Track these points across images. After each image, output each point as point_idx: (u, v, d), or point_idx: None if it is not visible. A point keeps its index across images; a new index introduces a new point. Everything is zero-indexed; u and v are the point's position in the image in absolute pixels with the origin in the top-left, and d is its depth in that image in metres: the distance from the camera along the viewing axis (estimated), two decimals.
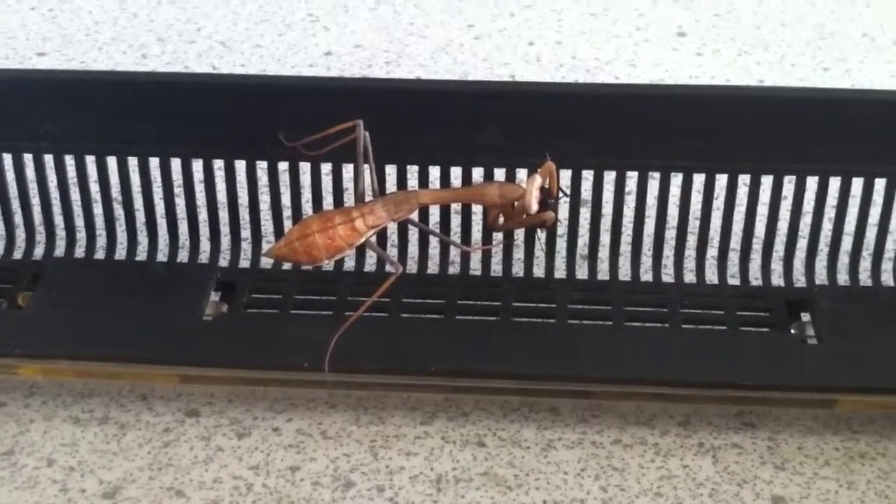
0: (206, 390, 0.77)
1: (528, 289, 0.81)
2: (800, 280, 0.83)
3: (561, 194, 0.73)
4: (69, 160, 0.84)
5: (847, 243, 0.83)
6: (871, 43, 1.24)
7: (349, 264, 0.83)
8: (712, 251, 0.84)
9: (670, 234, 0.84)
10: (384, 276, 0.70)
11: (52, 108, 0.82)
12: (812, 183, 0.80)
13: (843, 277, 0.83)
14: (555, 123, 0.79)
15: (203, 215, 0.85)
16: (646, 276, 0.84)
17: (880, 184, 0.80)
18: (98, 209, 0.86)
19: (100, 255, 0.86)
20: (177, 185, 0.84)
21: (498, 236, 0.83)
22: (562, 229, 0.84)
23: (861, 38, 1.25)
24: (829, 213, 0.81)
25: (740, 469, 0.71)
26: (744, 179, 0.81)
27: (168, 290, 0.80)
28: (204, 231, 0.86)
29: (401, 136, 0.78)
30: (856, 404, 0.74)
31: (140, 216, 0.86)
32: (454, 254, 0.84)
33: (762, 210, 0.81)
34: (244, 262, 0.85)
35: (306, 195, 0.84)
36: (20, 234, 0.88)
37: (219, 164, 0.83)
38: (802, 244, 0.83)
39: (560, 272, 0.84)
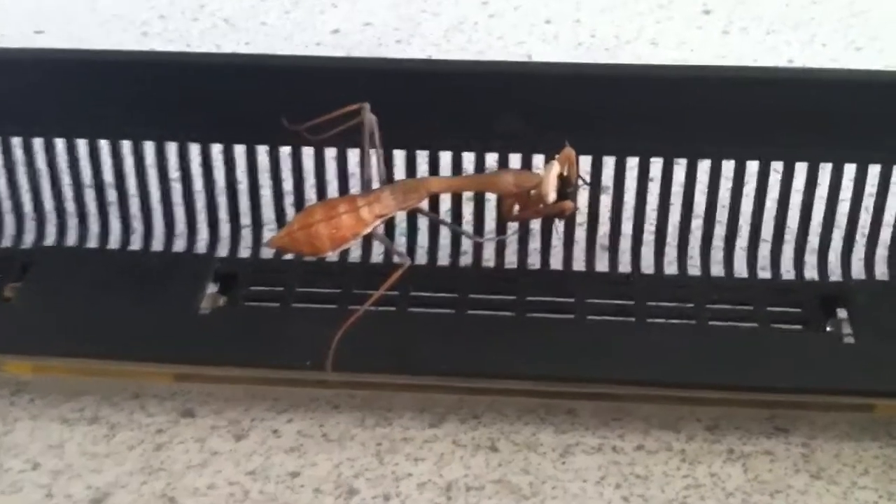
0: (203, 389, 0.74)
1: (544, 282, 0.77)
2: (835, 273, 0.79)
3: (580, 182, 0.69)
4: (59, 144, 0.81)
5: (886, 234, 0.78)
6: None
7: (355, 255, 0.79)
8: (741, 242, 0.80)
9: (697, 224, 0.79)
10: (391, 269, 0.66)
11: (40, 90, 0.78)
12: (850, 170, 0.76)
13: (881, 270, 0.79)
14: (575, 107, 0.75)
15: (201, 202, 0.82)
16: (670, 268, 0.80)
17: None
18: (90, 195, 0.83)
19: (92, 243, 0.83)
20: (173, 170, 0.81)
21: (513, 226, 0.79)
22: (581, 218, 0.79)
23: (895, 16, 1.19)
24: (867, 202, 0.77)
25: (772, 478, 0.67)
26: (776, 166, 0.76)
27: (163, 281, 0.76)
28: (202, 219, 0.82)
29: (410, 120, 0.75)
30: None
31: (134, 203, 0.82)
32: (466, 245, 0.80)
33: (795, 199, 0.77)
34: (244, 253, 0.82)
35: (310, 182, 0.80)
36: (8, 221, 0.84)
37: (217, 149, 0.79)
38: (838, 235, 0.79)
39: (579, 264, 0.80)
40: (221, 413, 0.72)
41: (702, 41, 1.16)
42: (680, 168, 0.77)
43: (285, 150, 0.79)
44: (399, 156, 0.78)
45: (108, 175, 0.81)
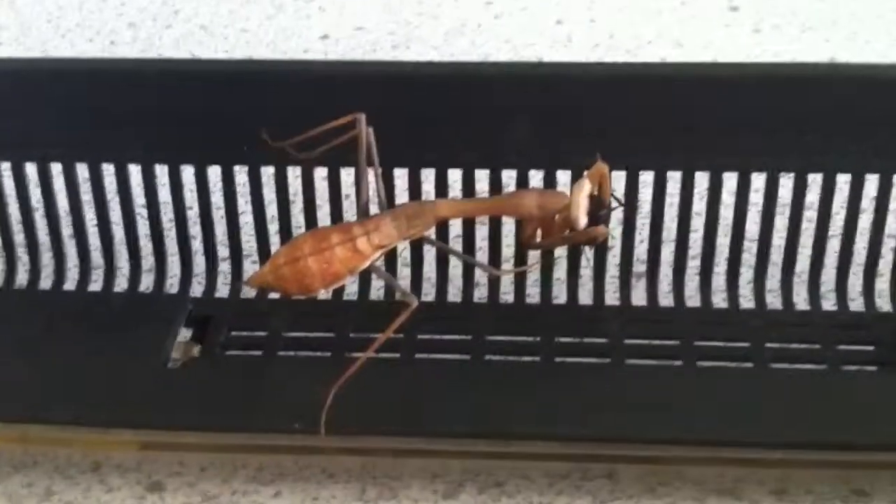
0: (173, 458, 0.66)
1: (573, 320, 0.70)
2: None
3: (614, 203, 0.61)
4: (4, 168, 0.72)
5: None
6: None
7: (351, 293, 0.73)
8: (801, 266, 0.71)
9: (749, 246, 0.70)
10: (395, 309, 0.58)
11: None
12: None
13: None
14: (605, 114, 0.67)
15: (171, 234, 0.73)
16: (718, 299, 0.71)
17: None
18: (42, 225, 0.74)
19: (46, 284, 0.74)
20: (138, 197, 0.72)
21: (534, 256, 0.71)
22: (613, 244, 0.72)
23: None
24: None
25: None
26: (843, 179, 0.67)
27: (127, 327, 0.68)
28: (173, 252, 0.74)
29: (412, 133, 0.67)
30: None
31: (94, 235, 0.74)
32: (480, 278, 0.73)
33: (866, 219, 0.68)
34: (222, 292, 0.74)
35: (297, 207, 0.72)
36: None
37: (188, 171, 0.71)
38: None
39: (612, 298, 0.72)
40: (195, 486, 0.65)
41: (730, 40, 1.09)
42: (730, 182, 0.68)
43: (268, 171, 0.70)
44: (401, 175, 0.69)
45: (63, 202, 0.72)
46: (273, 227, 0.72)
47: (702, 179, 0.68)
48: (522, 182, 0.68)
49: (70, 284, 0.74)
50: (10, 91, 0.69)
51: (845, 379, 0.65)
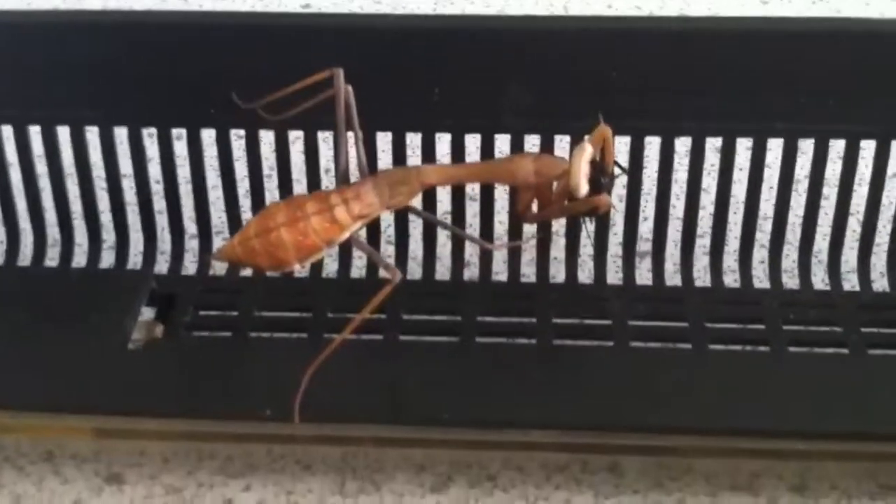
0: (133, 448, 0.62)
1: (572, 300, 0.65)
2: None
3: (618, 170, 0.57)
4: None
5: None
6: None
7: (329, 269, 0.68)
8: (821, 243, 0.67)
9: (764, 218, 0.66)
10: (377, 285, 0.55)
11: None
12: None
13: None
14: (608, 73, 0.62)
15: (133, 203, 0.69)
16: (730, 279, 0.67)
17: None
18: None
19: None
20: (96, 164, 0.67)
21: (530, 229, 0.67)
22: (617, 217, 0.67)
23: None
24: None
25: None
26: (867, 145, 0.63)
27: (85, 305, 0.63)
28: (134, 223, 0.69)
29: (396, 92, 0.63)
30: None
31: (49, 202, 0.69)
32: (471, 253, 0.69)
33: (893, 188, 0.64)
34: (188, 268, 0.69)
35: (270, 175, 0.67)
36: None
37: (151, 133, 0.66)
38: None
39: (614, 276, 0.68)
40: (157, 478, 0.61)
41: (737, 11, 1.05)
42: (744, 149, 0.64)
43: (238, 135, 0.66)
44: (384, 139, 0.65)
45: (15, 173, 0.67)
46: (244, 199, 0.67)
47: (711, 154, 0.64)
48: (518, 148, 0.63)
49: (24, 260, 0.70)
50: None
51: (870, 364, 0.61)
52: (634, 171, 0.64)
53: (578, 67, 0.62)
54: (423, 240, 0.68)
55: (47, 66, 0.63)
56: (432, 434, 0.59)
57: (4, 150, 0.67)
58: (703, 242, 0.67)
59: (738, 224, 0.66)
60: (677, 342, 0.62)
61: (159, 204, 0.68)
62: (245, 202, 0.67)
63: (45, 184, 0.68)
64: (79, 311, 0.63)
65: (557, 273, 0.68)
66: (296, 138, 0.65)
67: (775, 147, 0.63)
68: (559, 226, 0.67)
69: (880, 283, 0.66)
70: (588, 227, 0.65)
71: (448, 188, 0.66)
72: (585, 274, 0.67)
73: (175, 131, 0.66)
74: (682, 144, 0.64)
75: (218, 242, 0.69)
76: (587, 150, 0.55)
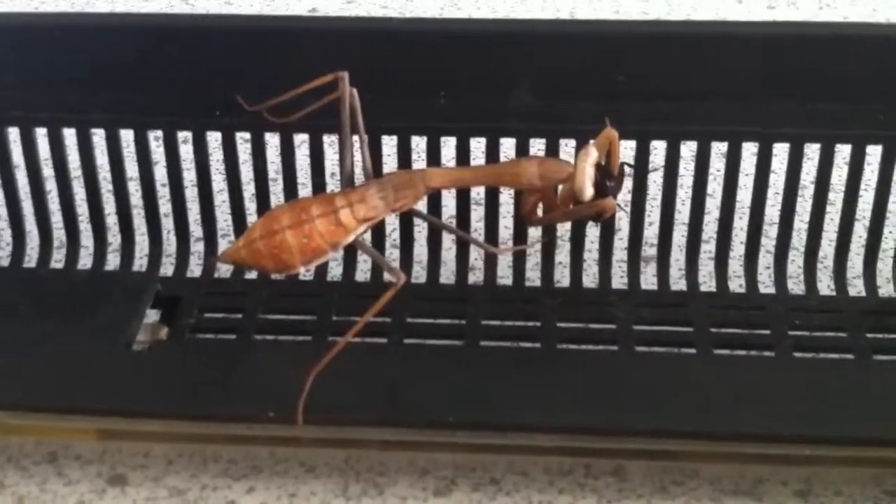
0: (137, 449, 0.61)
1: (577, 304, 0.65)
2: None
3: (624, 173, 0.56)
4: None
5: None
6: None
7: (334, 272, 0.68)
8: (826, 249, 0.66)
9: (770, 224, 0.66)
10: (381, 289, 0.55)
11: None
12: None
13: None
14: (615, 76, 0.61)
15: (138, 205, 0.68)
16: (735, 284, 0.66)
17: None
18: None
19: (2, 260, 0.70)
20: (102, 166, 0.67)
21: (535, 233, 0.67)
22: (622, 222, 0.67)
23: None
24: None
25: None
26: (873, 150, 0.62)
27: (89, 307, 0.63)
28: (140, 226, 0.69)
29: (401, 95, 0.62)
30: None
31: (55, 204, 0.69)
32: (475, 257, 0.69)
33: None
34: (193, 270, 0.69)
35: (274, 177, 0.67)
36: None
37: (157, 136, 0.66)
38: None
39: (619, 281, 0.67)
40: (161, 480, 0.59)
41: (743, 17, 1.02)
42: (749, 154, 0.63)
43: (243, 138, 0.65)
44: (389, 142, 0.65)
45: (21, 175, 0.67)
46: (249, 202, 0.67)
47: (716, 159, 0.63)
48: (523, 151, 0.63)
49: (30, 262, 0.69)
50: None
51: (875, 369, 0.60)
52: (640, 175, 0.63)
53: (584, 71, 0.61)
54: (428, 243, 0.67)
55: (53, 69, 0.63)
56: (436, 437, 0.58)
57: (11, 152, 0.66)
58: (708, 247, 0.66)
59: (743, 229, 0.65)
60: (682, 347, 0.61)
61: (165, 207, 0.68)
62: (250, 205, 0.67)
63: (51, 186, 0.67)
64: (83, 313, 0.62)
65: (562, 277, 0.67)
66: (301, 141, 0.64)
67: (781, 152, 0.62)
68: (564, 230, 0.67)
69: (886, 288, 0.65)
70: (593, 231, 0.66)
71: (453, 192, 0.65)
72: (590, 278, 0.66)
73: (181, 134, 0.65)
74: (688, 149, 0.64)
75: (223, 245, 0.68)
76: (592, 154, 0.54)
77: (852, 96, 0.61)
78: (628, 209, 0.64)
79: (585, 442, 0.57)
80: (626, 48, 0.61)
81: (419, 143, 0.64)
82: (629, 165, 0.57)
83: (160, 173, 0.66)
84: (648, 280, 0.67)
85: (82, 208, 0.68)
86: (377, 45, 0.62)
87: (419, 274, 0.68)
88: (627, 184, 0.61)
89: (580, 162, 0.54)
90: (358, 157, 0.58)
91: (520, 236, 0.67)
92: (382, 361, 0.60)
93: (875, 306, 0.64)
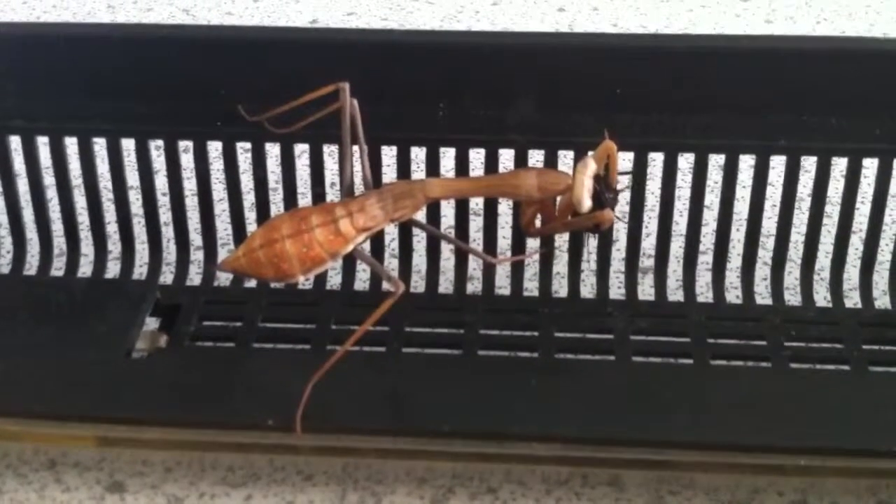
0: (136, 457, 0.61)
1: (574, 314, 0.64)
2: None
3: (622, 185, 0.57)
4: None
5: None
6: None
7: (333, 281, 0.68)
8: (823, 261, 0.66)
9: (767, 236, 0.66)
10: (380, 298, 0.54)
11: None
12: None
13: None
14: (613, 89, 0.61)
15: (139, 214, 0.68)
16: (732, 295, 0.66)
17: None
18: None
19: (3, 267, 0.69)
20: (103, 175, 0.67)
21: (534, 244, 0.67)
22: (619, 233, 0.67)
23: None
24: None
25: None
26: (870, 163, 0.63)
27: (88, 315, 0.63)
28: (140, 234, 0.69)
29: (401, 106, 0.62)
30: None
31: (55, 212, 0.68)
32: (474, 267, 0.69)
33: (895, 207, 0.63)
34: (193, 279, 0.68)
35: (274, 187, 0.67)
36: None
37: (158, 146, 0.66)
38: None
39: (617, 291, 0.67)
40: (159, 488, 0.59)
41: (741, 31, 1.03)
42: (747, 167, 0.63)
43: (244, 147, 0.66)
44: (389, 152, 0.64)
45: (23, 183, 0.67)
46: (249, 211, 0.67)
47: (713, 171, 0.63)
48: (522, 163, 0.63)
49: (30, 269, 0.69)
50: None
51: (871, 380, 0.60)
52: (638, 186, 0.63)
53: (583, 84, 0.61)
54: (427, 253, 0.67)
55: (54, 78, 0.63)
56: (433, 446, 0.57)
57: (12, 161, 0.66)
58: (705, 259, 0.66)
59: (740, 241, 0.65)
60: (679, 357, 0.61)
61: (165, 216, 0.68)
62: (250, 214, 0.67)
63: (52, 194, 0.67)
64: (83, 321, 0.62)
65: (560, 288, 0.67)
66: (301, 151, 0.64)
67: (778, 164, 0.62)
68: (562, 241, 0.67)
69: (882, 300, 0.65)
70: (590, 245, 0.65)
71: (452, 202, 0.66)
72: (588, 289, 0.66)
73: (182, 144, 0.65)
74: (686, 161, 0.64)
75: (223, 254, 0.68)
76: (590, 166, 0.54)
77: (849, 110, 0.61)
78: (626, 220, 0.64)
79: (583, 451, 0.57)
80: (624, 61, 0.61)
81: (419, 154, 0.64)
82: (627, 174, 0.57)
83: (161, 182, 0.66)
84: (646, 291, 0.67)
85: (83, 216, 0.68)
86: (378, 57, 0.62)
87: (418, 283, 0.68)
88: (625, 196, 0.61)
89: (578, 174, 0.54)
90: (358, 167, 0.58)
91: (518, 247, 0.66)
92: (381, 370, 0.60)
93: (871, 318, 0.64)
